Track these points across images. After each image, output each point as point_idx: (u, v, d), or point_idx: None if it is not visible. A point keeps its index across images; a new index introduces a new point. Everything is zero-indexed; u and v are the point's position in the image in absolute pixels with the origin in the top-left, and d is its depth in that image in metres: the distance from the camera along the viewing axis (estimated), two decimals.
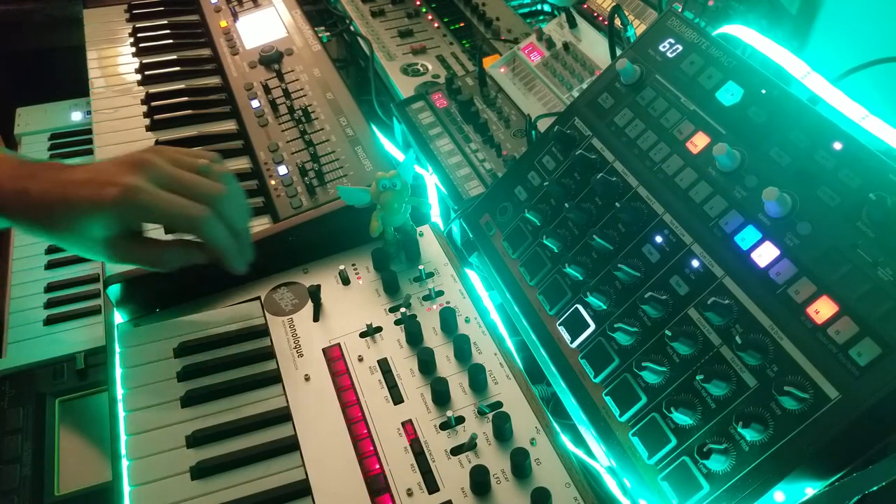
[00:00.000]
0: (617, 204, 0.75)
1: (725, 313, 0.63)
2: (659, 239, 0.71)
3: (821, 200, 0.62)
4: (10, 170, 0.74)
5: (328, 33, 1.53)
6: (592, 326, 0.73)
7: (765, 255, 0.63)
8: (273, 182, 0.98)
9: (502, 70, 1.20)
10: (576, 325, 0.74)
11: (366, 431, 0.71)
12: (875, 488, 0.57)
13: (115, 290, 0.83)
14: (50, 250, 1.31)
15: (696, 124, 0.74)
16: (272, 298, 0.86)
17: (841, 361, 0.56)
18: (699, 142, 0.73)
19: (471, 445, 0.69)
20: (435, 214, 0.97)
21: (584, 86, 1.06)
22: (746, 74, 0.72)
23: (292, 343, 0.80)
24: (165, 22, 1.40)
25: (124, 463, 0.71)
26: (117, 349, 0.81)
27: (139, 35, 1.36)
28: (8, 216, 0.73)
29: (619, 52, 0.97)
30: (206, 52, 1.31)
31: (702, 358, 0.64)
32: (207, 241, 0.74)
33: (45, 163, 0.77)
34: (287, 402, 0.75)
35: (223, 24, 1.35)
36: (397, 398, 0.74)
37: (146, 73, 1.25)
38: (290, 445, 0.71)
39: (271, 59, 1.19)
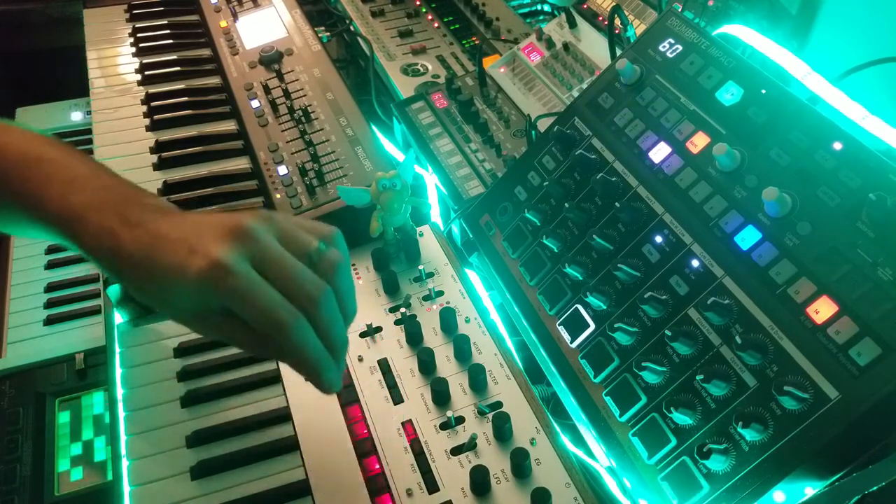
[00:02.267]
0: (617, 204, 0.75)
1: (725, 313, 0.63)
2: (659, 239, 0.71)
3: (821, 200, 0.62)
4: (97, 198, 0.62)
5: (328, 33, 1.53)
6: (592, 326, 0.73)
7: (765, 254, 0.63)
8: (273, 182, 0.98)
9: (502, 70, 1.20)
10: (576, 325, 0.74)
11: (366, 431, 0.71)
12: (875, 488, 0.57)
13: (115, 290, 0.83)
14: (50, 250, 1.31)
15: (696, 124, 0.74)
16: None
17: (841, 361, 0.56)
18: (699, 142, 0.73)
19: (471, 445, 0.69)
20: (435, 214, 0.97)
21: (584, 86, 1.06)
22: (746, 74, 0.72)
23: None
24: (165, 22, 1.41)
25: (124, 463, 0.71)
26: (117, 349, 0.81)
27: (139, 35, 1.36)
28: (89, 253, 0.61)
29: (619, 52, 0.97)
30: (206, 52, 1.31)
31: (702, 358, 0.64)
32: (288, 350, 0.58)
33: (146, 198, 0.64)
34: (287, 402, 0.75)
35: (223, 24, 1.35)
36: (397, 398, 0.74)
37: (146, 73, 1.25)
38: (290, 445, 0.71)
39: (271, 59, 1.19)
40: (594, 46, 1.12)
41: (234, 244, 0.57)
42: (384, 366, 0.77)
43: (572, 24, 1.18)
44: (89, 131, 1.15)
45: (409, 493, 0.66)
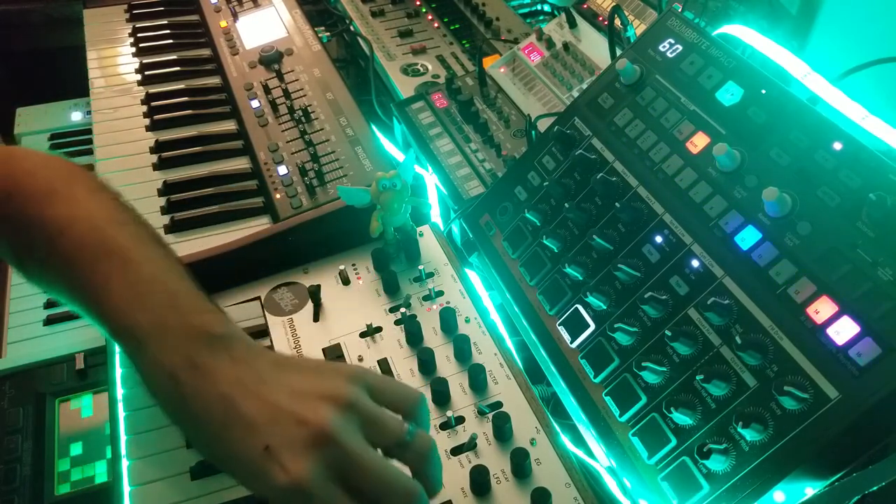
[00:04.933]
0: (617, 204, 0.75)
1: (725, 313, 0.63)
2: (659, 239, 0.71)
3: (821, 200, 0.62)
4: (161, 319, 0.56)
5: (328, 33, 1.54)
6: (592, 326, 0.73)
7: (765, 255, 0.63)
8: (273, 182, 0.98)
9: (502, 70, 1.20)
10: (576, 325, 0.74)
11: None
12: (875, 488, 0.57)
13: None
14: None
15: (696, 124, 0.74)
16: (272, 299, 0.86)
17: (841, 361, 0.56)
18: (699, 142, 0.73)
19: (471, 445, 0.69)
20: (435, 214, 0.97)
21: (584, 86, 1.06)
22: (746, 74, 0.72)
23: (292, 343, 0.80)
24: (165, 22, 1.41)
25: (124, 463, 0.71)
26: (117, 349, 0.81)
27: (139, 35, 1.36)
28: (147, 388, 0.56)
29: (619, 52, 0.98)
30: (206, 52, 1.31)
31: (702, 358, 0.64)
32: None
33: (215, 324, 0.57)
34: None
35: (223, 24, 1.35)
36: None
37: (146, 73, 1.25)
38: None
39: (271, 59, 1.19)
40: (594, 46, 1.12)
41: (316, 455, 0.51)
42: (384, 366, 0.77)
43: (572, 24, 1.18)
44: (89, 131, 1.15)
45: None
